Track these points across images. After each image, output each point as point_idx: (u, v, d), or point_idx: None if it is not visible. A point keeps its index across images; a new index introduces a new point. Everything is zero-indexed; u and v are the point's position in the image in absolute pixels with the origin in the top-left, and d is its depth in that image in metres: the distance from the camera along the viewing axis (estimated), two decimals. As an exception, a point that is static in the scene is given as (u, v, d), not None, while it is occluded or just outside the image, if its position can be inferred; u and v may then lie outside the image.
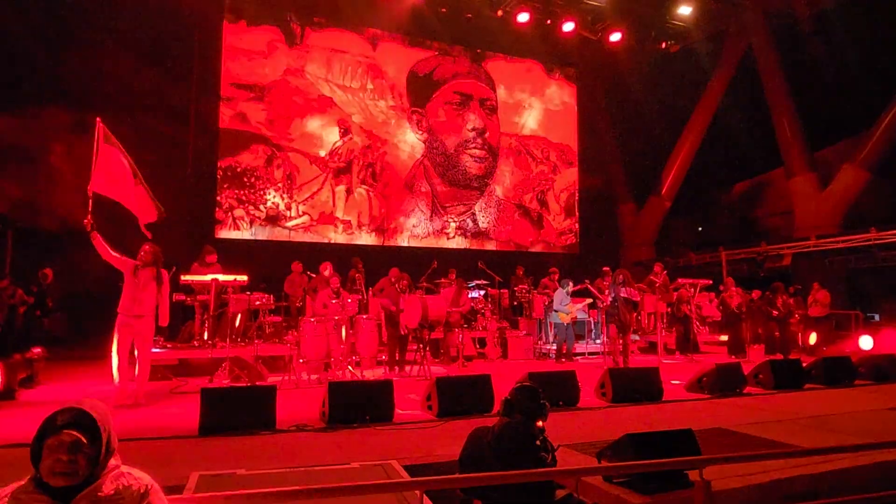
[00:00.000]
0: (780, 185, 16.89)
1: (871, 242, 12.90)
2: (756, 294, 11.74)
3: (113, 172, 6.29)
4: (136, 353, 6.15)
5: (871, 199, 14.67)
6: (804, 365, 7.87)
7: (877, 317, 13.66)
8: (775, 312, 11.09)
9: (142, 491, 1.84)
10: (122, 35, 11.14)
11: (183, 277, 8.50)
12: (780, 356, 10.11)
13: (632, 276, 9.53)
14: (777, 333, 11.26)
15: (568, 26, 15.09)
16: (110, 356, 6.03)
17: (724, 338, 11.59)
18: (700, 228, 20.72)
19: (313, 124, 14.01)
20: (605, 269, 11.76)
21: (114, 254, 6.06)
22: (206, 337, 8.59)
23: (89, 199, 6.00)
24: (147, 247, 6.28)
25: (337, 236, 14.01)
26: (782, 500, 3.53)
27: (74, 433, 1.75)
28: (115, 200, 6.50)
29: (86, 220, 5.89)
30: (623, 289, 9.06)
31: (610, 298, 9.15)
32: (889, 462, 4.01)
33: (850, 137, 15.07)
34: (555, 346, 10.52)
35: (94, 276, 6.23)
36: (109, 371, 6.05)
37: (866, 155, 13.88)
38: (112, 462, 1.84)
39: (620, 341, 9.14)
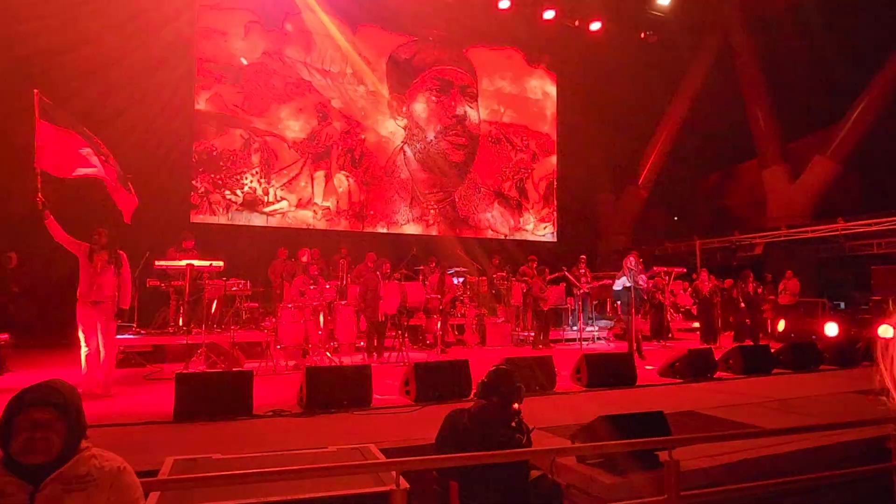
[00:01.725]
0: (753, 176, 17.21)
1: (838, 233, 13.26)
2: (728, 282, 12.00)
3: (56, 148, 5.93)
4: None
5: (840, 191, 15.05)
6: (773, 351, 8.10)
7: (842, 305, 14.08)
8: (741, 302, 11.38)
9: (114, 472, 1.83)
10: (92, 14, 10.79)
11: (157, 263, 8.36)
12: (749, 342, 10.37)
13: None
14: (747, 320, 11.54)
15: (549, 14, 15.07)
16: (78, 344, 5.89)
17: (697, 325, 11.83)
18: (676, 218, 21.02)
19: (291, 108, 13.80)
20: (582, 257, 11.89)
21: (66, 236, 5.82)
22: (181, 323, 8.49)
23: (37, 176, 5.71)
24: (101, 229, 6.03)
25: (316, 222, 13.89)
26: (749, 478, 3.65)
27: (44, 409, 1.72)
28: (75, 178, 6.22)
29: (37, 198, 5.60)
30: (639, 276, 8.92)
31: (625, 285, 8.79)
32: (850, 442, 4.16)
33: (822, 129, 15.38)
34: (532, 333, 10.64)
35: (63, 262, 6.04)
36: (78, 359, 5.91)
37: (836, 148, 14.21)
38: (83, 443, 1.82)
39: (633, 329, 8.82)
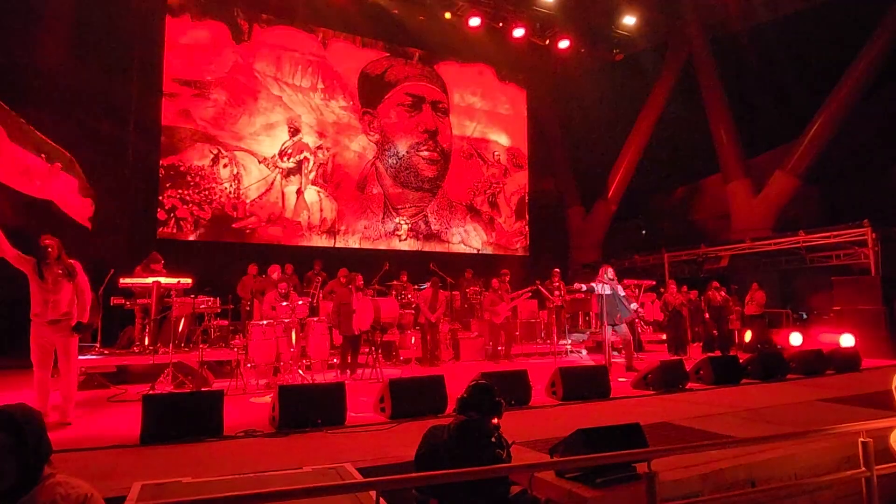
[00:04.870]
0: (717, 190, 17.70)
1: (799, 245, 13.69)
2: (695, 294, 12.25)
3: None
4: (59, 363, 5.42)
5: (801, 204, 15.60)
6: (741, 361, 8.27)
7: (805, 315, 14.50)
8: (706, 313, 11.63)
9: (80, 499, 1.74)
10: (57, 25, 10.55)
11: (122, 281, 8.11)
12: (717, 353, 10.56)
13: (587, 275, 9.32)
14: (714, 331, 11.78)
15: (518, 32, 15.35)
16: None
17: (665, 336, 12.02)
18: (644, 231, 21.43)
19: (262, 123, 13.66)
20: (555, 270, 11.99)
21: (12, 250, 5.22)
22: (147, 342, 8.23)
23: None
24: (47, 239, 5.41)
25: (287, 238, 13.71)
26: (724, 488, 3.69)
27: None
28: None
29: None
30: (616, 284, 8.83)
31: (605, 293, 8.66)
32: (819, 448, 4.25)
33: (782, 144, 15.94)
34: (501, 348, 10.65)
35: (20, 278, 5.69)
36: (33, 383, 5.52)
37: (795, 163, 14.75)
38: (47, 470, 1.73)
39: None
